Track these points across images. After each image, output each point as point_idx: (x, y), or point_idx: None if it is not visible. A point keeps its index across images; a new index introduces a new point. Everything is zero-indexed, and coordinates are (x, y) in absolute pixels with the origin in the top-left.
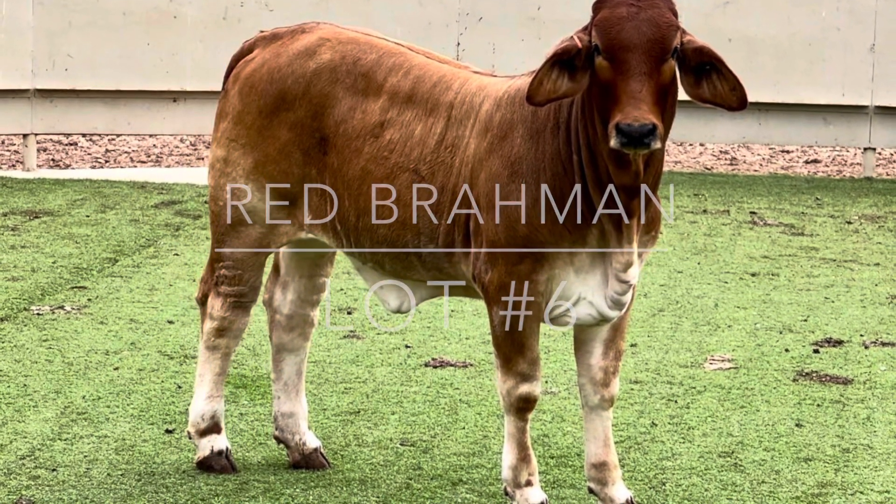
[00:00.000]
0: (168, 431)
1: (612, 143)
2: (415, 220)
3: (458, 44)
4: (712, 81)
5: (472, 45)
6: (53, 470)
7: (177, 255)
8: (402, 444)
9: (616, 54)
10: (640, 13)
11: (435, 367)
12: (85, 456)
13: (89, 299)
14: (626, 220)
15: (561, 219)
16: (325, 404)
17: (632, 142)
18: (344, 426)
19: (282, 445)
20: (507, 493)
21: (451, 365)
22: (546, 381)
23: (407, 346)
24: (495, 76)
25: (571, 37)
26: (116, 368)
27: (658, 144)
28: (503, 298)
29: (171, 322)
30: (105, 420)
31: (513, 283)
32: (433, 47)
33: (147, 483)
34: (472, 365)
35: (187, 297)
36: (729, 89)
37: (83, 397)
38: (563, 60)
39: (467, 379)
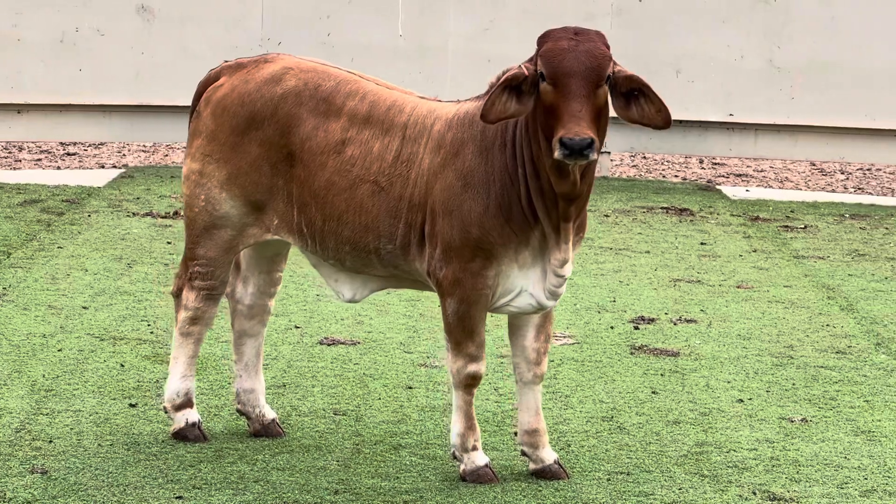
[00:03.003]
0: (132, 405)
1: (556, 154)
2: (376, 225)
3: None
4: (640, 104)
5: None
6: (50, 441)
7: (60, 247)
8: (335, 414)
9: (559, 80)
10: (578, 45)
11: (329, 344)
12: (71, 429)
13: (3, 289)
14: (563, 223)
15: (508, 223)
16: None
17: (573, 154)
18: (278, 398)
19: (243, 417)
20: (455, 457)
21: (342, 343)
22: (428, 357)
23: (297, 327)
24: (440, 101)
25: (519, 66)
26: (60, 350)
27: (595, 156)
28: (457, 291)
29: (85, 308)
30: (72, 396)
31: (465, 278)
32: None
33: (136, 452)
34: (359, 343)
35: (88, 285)
36: (655, 111)
37: (43, 376)
38: (512, 86)
39: (360, 355)
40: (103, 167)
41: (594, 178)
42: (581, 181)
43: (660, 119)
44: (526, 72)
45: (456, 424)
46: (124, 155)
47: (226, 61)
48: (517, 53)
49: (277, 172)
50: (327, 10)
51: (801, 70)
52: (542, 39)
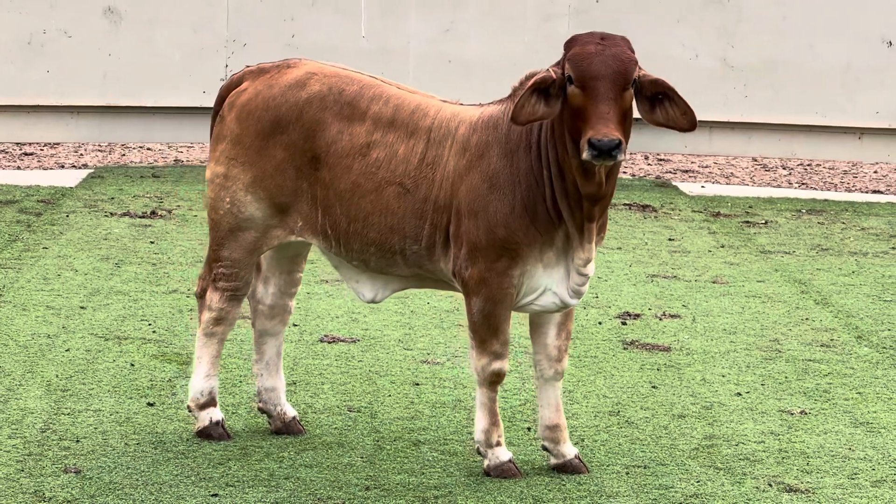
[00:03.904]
0: (150, 404)
1: (585, 155)
2: (402, 226)
3: (227, 66)
4: (665, 107)
5: (239, 67)
6: (77, 441)
7: (45, 248)
8: (349, 411)
9: (587, 83)
10: (605, 50)
11: (329, 342)
12: (95, 428)
13: None
14: (587, 224)
15: (534, 223)
16: None
17: (602, 154)
18: (291, 396)
19: (263, 415)
20: (479, 453)
21: (342, 340)
22: (428, 354)
23: (295, 325)
24: (462, 104)
25: (547, 70)
26: (68, 350)
27: (622, 157)
28: (483, 290)
29: (83, 308)
30: (88, 395)
31: (491, 278)
32: (206, 70)
33: (164, 450)
34: (358, 340)
35: (80, 286)
36: (680, 113)
37: (56, 376)
38: (541, 89)
39: (362, 353)
40: (63, 167)
41: (617, 179)
42: (606, 182)
43: (685, 121)
44: (553, 75)
45: (480, 421)
46: (81, 155)
47: (247, 66)
48: (477, 54)
49: (302, 175)
50: (292, 13)
51: (754, 69)
52: (569, 44)
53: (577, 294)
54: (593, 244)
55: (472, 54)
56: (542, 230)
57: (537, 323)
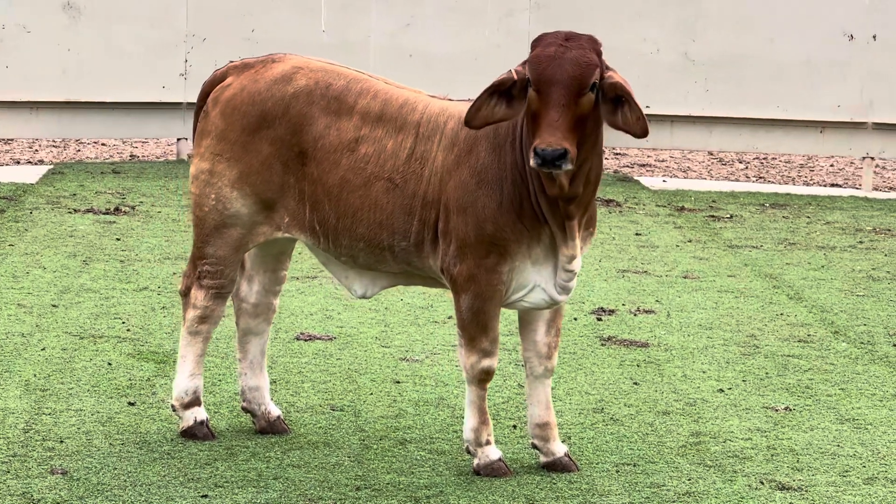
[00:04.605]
0: (131, 404)
1: (532, 163)
2: (391, 222)
3: (186, 60)
4: (624, 112)
5: (198, 62)
6: (61, 441)
7: (11, 245)
8: (332, 410)
9: (541, 87)
10: (566, 53)
11: (306, 340)
12: (77, 428)
13: None
14: (567, 222)
15: (521, 219)
16: None
17: (545, 163)
18: (271, 394)
19: (248, 414)
20: (469, 452)
21: (318, 338)
22: (406, 351)
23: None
24: (451, 100)
25: (510, 70)
26: (43, 349)
27: (569, 166)
28: (471, 287)
29: (55, 306)
30: (68, 395)
31: (480, 274)
32: (165, 64)
33: (149, 451)
34: (335, 338)
35: (50, 283)
36: (635, 119)
37: (34, 375)
38: (501, 90)
39: (340, 350)
40: (19, 163)
41: (600, 176)
42: (571, 184)
43: (637, 128)
44: (515, 76)
45: (469, 419)
46: (37, 150)
47: (231, 61)
48: (438, 48)
49: (289, 171)
50: (251, 7)
51: (715, 63)
52: (534, 44)
53: (565, 290)
54: (577, 241)
55: (433, 48)
56: (528, 226)
57: (526, 320)
